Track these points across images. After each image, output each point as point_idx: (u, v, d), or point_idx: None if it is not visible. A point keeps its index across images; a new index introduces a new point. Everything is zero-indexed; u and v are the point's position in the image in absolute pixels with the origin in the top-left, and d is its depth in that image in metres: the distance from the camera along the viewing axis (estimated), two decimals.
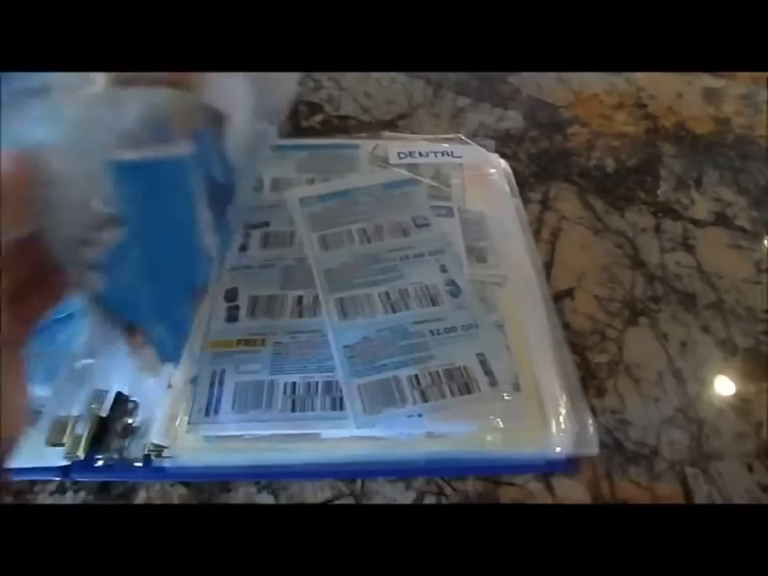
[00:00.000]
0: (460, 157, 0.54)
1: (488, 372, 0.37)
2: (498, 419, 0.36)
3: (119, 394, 0.34)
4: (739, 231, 0.51)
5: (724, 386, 0.41)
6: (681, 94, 0.65)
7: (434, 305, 0.41)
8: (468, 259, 0.45)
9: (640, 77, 0.67)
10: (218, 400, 0.36)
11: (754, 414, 0.39)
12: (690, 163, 0.57)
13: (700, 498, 0.36)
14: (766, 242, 0.50)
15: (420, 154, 0.54)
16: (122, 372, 0.34)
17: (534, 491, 0.36)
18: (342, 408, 0.36)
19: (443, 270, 0.43)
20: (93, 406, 0.32)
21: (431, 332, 0.39)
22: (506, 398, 0.36)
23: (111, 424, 0.35)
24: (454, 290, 0.42)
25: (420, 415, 0.35)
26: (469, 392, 0.36)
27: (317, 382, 0.37)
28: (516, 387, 0.37)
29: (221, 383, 0.37)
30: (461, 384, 0.37)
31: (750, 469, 0.37)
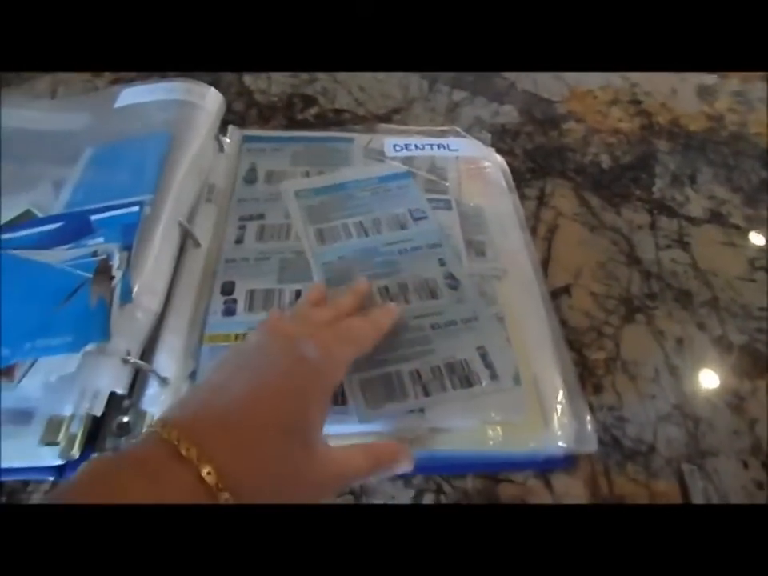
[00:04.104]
0: (456, 150, 0.54)
1: (488, 365, 0.37)
2: (499, 413, 0.36)
3: (113, 393, 0.33)
4: (733, 229, 0.51)
5: (719, 383, 0.41)
6: (675, 90, 0.65)
7: (433, 298, 0.41)
8: (467, 252, 0.45)
9: (634, 72, 0.67)
10: None
11: (749, 411, 0.40)
12: (685, 160, 0.57)
13: (696, 494, 0.36)
14: (759, 239, 0.51)
15: (416, 146, 0.54)
16: (114, 370, 0.33)
17: (533, 488, 0.36)
18: (343, 403, 0.35)
19: (442, 263, 0.43)
20: (87, 405, 0.31)
21: (431, 326, 0.39)
22: (506, 391, 0.37)
23: (106, 423, 0.34)
24: (453, 283, 0.42)
25: (422, 410, 0.35)
26: (470, 385, 0.36)
27: None
28: (516, 380, 0.37)
29: None
30: (462, 377, 0.37)
31: (746, 465, 0.37)
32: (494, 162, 0.53)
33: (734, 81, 0.67)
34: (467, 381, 0.37)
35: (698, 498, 0.36)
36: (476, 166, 0.52)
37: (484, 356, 0.38)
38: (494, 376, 0.37)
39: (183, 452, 0.22)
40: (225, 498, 0.22)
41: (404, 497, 0.35)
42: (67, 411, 0.31)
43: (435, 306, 0.41)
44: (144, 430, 0.24)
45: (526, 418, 0.36)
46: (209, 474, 0.22)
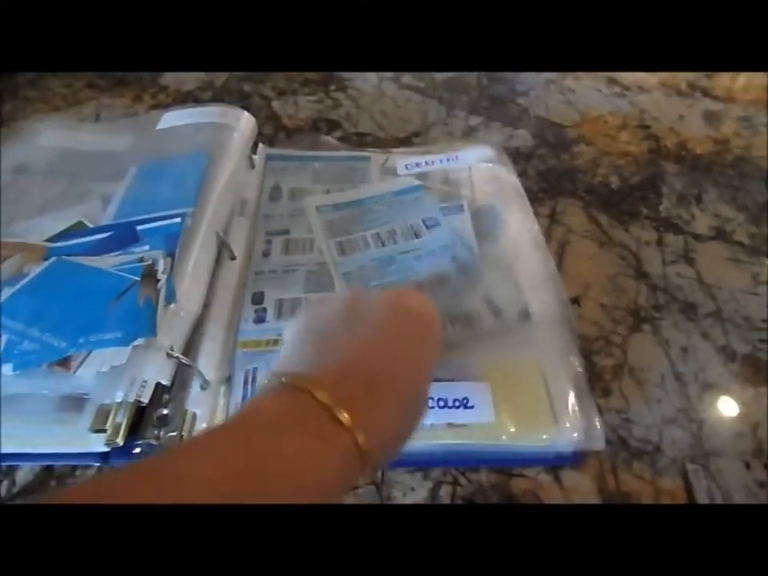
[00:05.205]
0: (467, 157, 0.58)
1: (493, 308, 0.41)
2: (505, 352, 0.38)
3: (155, 388, 0.36)
4: (737, 246, 0.54)
5: (723, 390, 0.43)
6: (682, 115, 0.68)
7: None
8: (478, 242, 0.48)
9: (643, 99, 0.71)
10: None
11: (752, 415, 0.42)
12: (691, 181, 0.60)
13: (700, 492, 0.38)
14: (762, 255, 0.53)
15: (426, 163, 0.57)
16: (160, 363, 0.36)
17: (544, 483, 0.38)
18: None
19: (454, 259, 0.47)
20: (135, 393, 0.34)
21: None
22: (512, 328, 0.39)
23: (148, 413, 0.37)
24: (463, 269, 0.45)
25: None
26: (472, 326, 0.39)
27: None
28: (524, 315, 0.40)
29: (254, 381, 0.39)
30: (463, 321, 0.40)
31: (748, 466, 0.39)
32: (507, 165, 0.57)
33: (739, 107, 0.70)
34: (468, 322, 0.40)
35: (701, 496, 0.38)
36: (487, 169, 0.56)
37: (490, 302, 0.41)
38: (497, 314, 0.40)
39: (340, 417, 0.23)
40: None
41: (422, 488, 0.37)
42: (118, 398, 0.35)
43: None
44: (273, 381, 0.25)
45: (538, 413, 0.38)
46: (363, 440, 0.23)
